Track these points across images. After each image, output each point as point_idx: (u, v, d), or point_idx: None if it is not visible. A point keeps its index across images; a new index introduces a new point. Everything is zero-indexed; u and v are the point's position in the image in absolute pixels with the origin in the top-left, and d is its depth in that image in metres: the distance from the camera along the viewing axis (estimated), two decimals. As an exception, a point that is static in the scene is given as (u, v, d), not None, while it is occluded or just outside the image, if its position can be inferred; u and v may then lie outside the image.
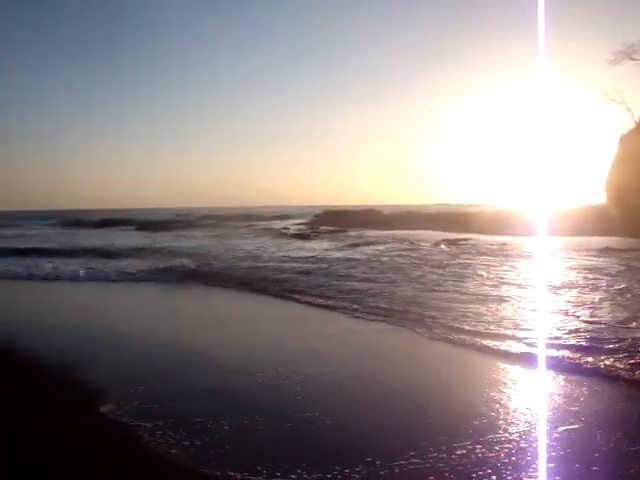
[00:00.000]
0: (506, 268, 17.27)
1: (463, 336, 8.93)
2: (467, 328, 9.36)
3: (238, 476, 4.53)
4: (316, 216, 68.09)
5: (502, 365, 7.58)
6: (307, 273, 16.49)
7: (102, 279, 15.86)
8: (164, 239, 34.55)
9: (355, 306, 11.56)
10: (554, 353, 7.79)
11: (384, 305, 11.53)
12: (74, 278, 16.23)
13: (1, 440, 5.22)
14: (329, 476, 4.50)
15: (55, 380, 7.02)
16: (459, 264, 18.72)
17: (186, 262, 18.33)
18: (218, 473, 4.58)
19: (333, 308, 11.56)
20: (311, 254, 23.47)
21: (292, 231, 43.02)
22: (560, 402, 6.14)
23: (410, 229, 40.05)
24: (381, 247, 26.14)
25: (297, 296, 12.98)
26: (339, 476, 4.50)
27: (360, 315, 10.83)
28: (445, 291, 13.21)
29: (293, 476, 4.50)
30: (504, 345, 8.36)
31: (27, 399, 6.35)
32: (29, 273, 17.27)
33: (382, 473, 4.54)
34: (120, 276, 16.01)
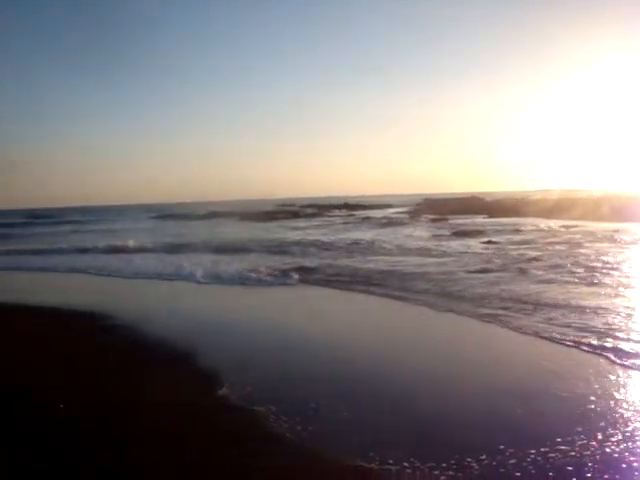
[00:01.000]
0: (634, 263, 15.77)
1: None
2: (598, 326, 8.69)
3: (350, 462, 4.59)
4: (417, 204, 67.11)
5: (621, 369, 7.01)
6: (423, 270, 15.24)
7: (245, 283, 14.76)
8: (274, 231, 35.29)
9: (477, 308, 10.48)
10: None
11: (507, 304, 10.66)
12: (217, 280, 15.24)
13: (137, 419, 5.66)
14: (444, 465, 4.43)
15: (182, 366, 7.47)
16: (579, 255, 17.35)
17: (300, 260, 18.23)
18: (331, 458, 4.67)
19: (456, 312, 10.56)
20: (419, 244, 23.05)
21: (394, 220, 42.60)
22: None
23: (513, 216, 38.40)
24: (489, 237, 25.19)
25: (410, 295, 12.06)
26: (454, 465, 4.43)
27: (479, 314, 10.38)
28: (578, 284, 12.33)
29: (406, 464, 4.49)
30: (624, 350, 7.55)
31: (166, 381, 6.82)
32: (173, 272, 16.63)
33: (510, 462, 4.42)
34: (246, 279, 15.05)
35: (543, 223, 31.33)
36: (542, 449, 4.62)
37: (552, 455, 4.53)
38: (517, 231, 27.51)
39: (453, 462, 4.47)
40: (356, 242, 24.96)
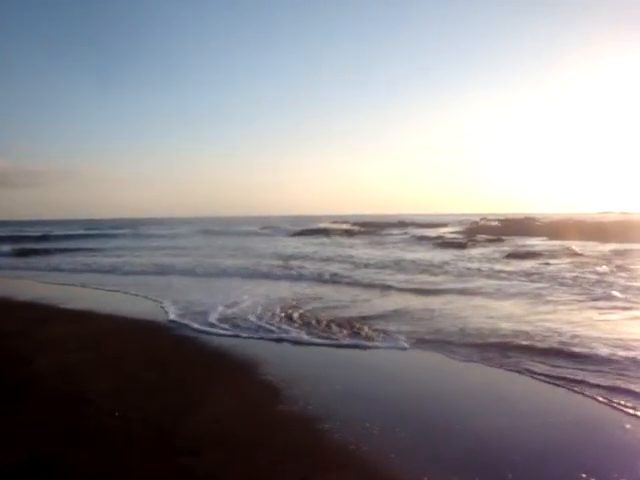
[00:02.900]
0: None
1: None
2: None
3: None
4: (472, 224, 66.10)
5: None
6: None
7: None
8: (329, 249, 34.89)
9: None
10: None
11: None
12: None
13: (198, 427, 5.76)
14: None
15: (246, 379, 7.64)
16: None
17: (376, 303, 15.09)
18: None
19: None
20: (490, 267, 22.35)
21: (450, 240, 41.71)
22: None
23: (569, 239, 36.93)
24: (551, 260, 24.37)
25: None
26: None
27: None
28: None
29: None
30: None
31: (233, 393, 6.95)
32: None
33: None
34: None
35: (606, 248, 29.98)
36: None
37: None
38: (570, 255, 26.15)
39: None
40: (429, 265, 22.92)
